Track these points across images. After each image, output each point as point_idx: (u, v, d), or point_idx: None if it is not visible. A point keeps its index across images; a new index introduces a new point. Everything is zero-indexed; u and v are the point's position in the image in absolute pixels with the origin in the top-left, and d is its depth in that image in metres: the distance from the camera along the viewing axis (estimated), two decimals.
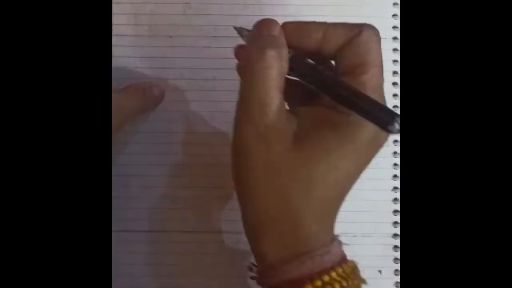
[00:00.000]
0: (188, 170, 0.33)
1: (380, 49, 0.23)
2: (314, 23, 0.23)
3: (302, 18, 0.33)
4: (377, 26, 0.33)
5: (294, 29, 0.23)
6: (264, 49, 0.22)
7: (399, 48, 0.33)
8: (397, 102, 0.33)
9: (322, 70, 0.23)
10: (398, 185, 0.32)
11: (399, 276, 0.32)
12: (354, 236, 0.32)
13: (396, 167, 0.33)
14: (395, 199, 0.32)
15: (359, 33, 0.22)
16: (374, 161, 0.32)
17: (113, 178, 0.31)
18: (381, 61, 0.23)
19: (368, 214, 0.32)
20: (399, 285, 0.32)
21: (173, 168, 0.33)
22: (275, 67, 0.22)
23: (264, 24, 0.24)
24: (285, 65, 0.23)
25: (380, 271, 0.32)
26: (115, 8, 0.33)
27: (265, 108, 0.22)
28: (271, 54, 0.22)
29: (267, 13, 0.33)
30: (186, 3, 0.34)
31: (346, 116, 0.22)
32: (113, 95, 0.27)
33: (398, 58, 0.33)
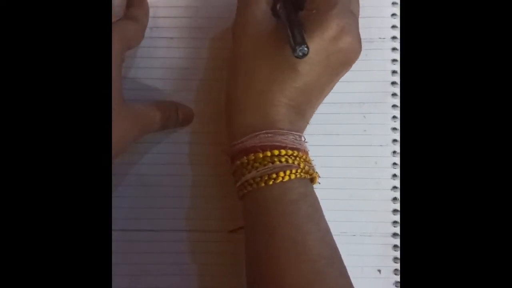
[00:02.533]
0: (189, 170, 0.33)
1: None
2: None
3: None
4: (376, 26, 0.34)
5: None
6: None
7: (398, 48, 0.33)
8: (397, 101, 0.33)
9: (291, 6, 0.27)
10: (398, 185, 0.32)
11: (398, 276, 0.32)
12: (354, 235, 0.32)
13: (396, 166, 0.33)
14: (395, 199, 0.32)
15: None
16: (373, 160, 0.33)
17: (113, 178, 0.31)
18: None
19: (368, 214, 0.32)
20: (398, 284, 0.32)
21: (174, 168, 0.33)
22: None
23: None
24: None
25: (379, 271, 0.32)
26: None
27: (248, 7, 0.28)
28: None
29: None
30: (187, 6, 0.34)
31: (313, 13, 0.27)
32: (137, 108, 0.29)
33: (398, 58, 0.33)
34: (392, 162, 0.33)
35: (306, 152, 0.27)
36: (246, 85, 0.27)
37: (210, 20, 0.34)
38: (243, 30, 0.28)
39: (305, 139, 0.28)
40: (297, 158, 0.26)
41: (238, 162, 0.26)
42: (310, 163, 0.27)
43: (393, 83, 0.33)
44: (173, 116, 0.31)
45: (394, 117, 0.33)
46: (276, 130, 0.26)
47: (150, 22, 0.33)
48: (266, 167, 0.25)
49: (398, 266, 0.32)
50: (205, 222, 0.32)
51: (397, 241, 0.32)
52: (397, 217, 0.32)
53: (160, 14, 0.34)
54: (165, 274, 0.32)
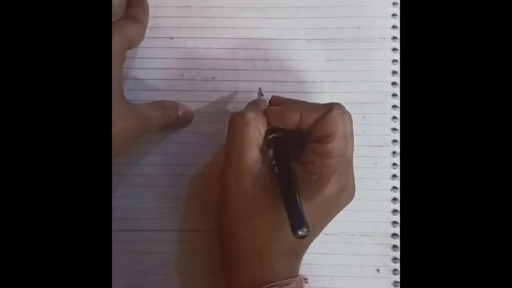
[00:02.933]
0: (188, 170, 0.33)
1: (347, 124, 0.27)
2: (292, 108, 0.28)
3: (302, 20, 0.33)
4: (376, 26, 0.34)
5: (277, 113, 0.28)
6: (245, 111, 0.28)
7: (398, 48, 0.33)
8: (397, 102, 0.33)
9: (285, 162, 0.27)
10: (398, 185, 0.32)
11: (398, 276, 0.32)
12: (353, 235, 0.32)
13: (395, 166, 0.33)
14: (394, 199, 0.32)
15: (329, 112, 0.27)
16: (373, 160, 0.33)
17: (113, 178, 0.31)
18: (347, 134, 0.27)
19: (367, 214, 0.32)
20: (398, 284, 0.32)
21: (173, 168, 0.33)
22: (252, 125, 0.27)
23: (255, 99, 0.30)
24: (261, 126, 0.28)
25: (378, 270, 0.32)
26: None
27: (242, 157, 0.27)
28: (249, 114, 0.27)
29: (267, 15, 0.34)
30: (187, 6, 0.34)
31: (312, 175, 0.26)
32: (137, 107, 0.29)
33: (398, 58, 0.33)
34: (392, 163, 0.33)
35: None
36: (246, 244, 0.27)
37: (210, 20, 0.34)
38: (237, 184, 0.27)
39: (306, 280, 0.28)
40: None
41: None
42: None
43: (393, 83, 0.33)
44: (173, 116, 0.31)
45: (394, 117, 0.33)
46: (280, 282, 0.26)
47: (150, 22, 0.33)
48: None
49: (397, 266, 0.32)
50: (205, 222, 0.32)
51: (397, 241, 0.32)
52: (397, 218, 0.32)
53: (160, 14, 0.34)
54: (165, 274, 0.32)
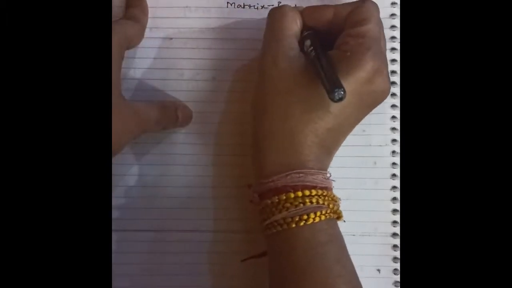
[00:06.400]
0: (188, 170, 0.33)
1: (379, 16, 0.29)
2: (326, 5, 0.30)
3: None
4: None
5: (312, 10, 0.30)
6: (283, 5, 0.30)
7: (398, 48, 0.33)
8: (396, 101, 0.33)
9: (321, 47, 0.28)
10: (397, 185, 0.32)
11: (398, 276, 0.32)
12: (353, 235, 0.32)
13: (395, 166, 0.33)
14: (394, 199, 0.32)
15: (364, 1, 0.28)
16: (372, 160, 0.33)
17: (113, 178, 0.31)
18: (381, 24, 0.28)
19: (367, 214, 0.32)
20: (398, 284, 0.32)
21: (173, 168, 0.33)
22: (289, 15, 0.29)
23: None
24: (298, 19, 0.29)
25: (379, 270, 0.32)
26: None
27: (279, 42, 0.28)
28: (287, 7, 0.29)
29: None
30: (186, 7, 0.34)
31: (346, 53, 0.27)
32: (136, 106, 0.29)
33: (397, 58, 0.33)
34: (392, 162, 0.33)
35: (331, 189, 0.28)
36: (278, 123, 0.27)
37: (209, 21, 0.34)
38: (274, 65, 0.28)
39: (330, 175, 0.28)
40: (327, 198, 0.26)
41: (269, 201, 0.26)
42: (337, 201, 0.27)
43: (393, 83, 0.33)
44: (172, 116, 0.31)
45: (393, 117, 0.33)
46: (307, 170, 0.26)
47: (150, 23, 0.33)
48: (298, 208, 0.25)
49: (397, 265, 0.32)
50: (204, 222, 0.32)
51: (397, 241, 0.32)
52: (397, 217, 0.32)
53: (160, 14, 0.34)
54: (165, 274, 0.32)
